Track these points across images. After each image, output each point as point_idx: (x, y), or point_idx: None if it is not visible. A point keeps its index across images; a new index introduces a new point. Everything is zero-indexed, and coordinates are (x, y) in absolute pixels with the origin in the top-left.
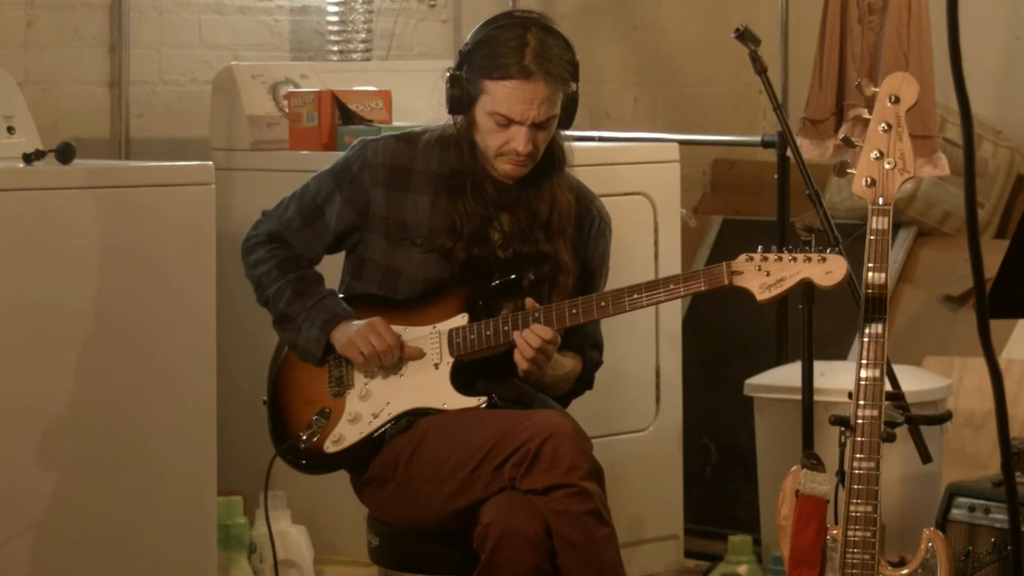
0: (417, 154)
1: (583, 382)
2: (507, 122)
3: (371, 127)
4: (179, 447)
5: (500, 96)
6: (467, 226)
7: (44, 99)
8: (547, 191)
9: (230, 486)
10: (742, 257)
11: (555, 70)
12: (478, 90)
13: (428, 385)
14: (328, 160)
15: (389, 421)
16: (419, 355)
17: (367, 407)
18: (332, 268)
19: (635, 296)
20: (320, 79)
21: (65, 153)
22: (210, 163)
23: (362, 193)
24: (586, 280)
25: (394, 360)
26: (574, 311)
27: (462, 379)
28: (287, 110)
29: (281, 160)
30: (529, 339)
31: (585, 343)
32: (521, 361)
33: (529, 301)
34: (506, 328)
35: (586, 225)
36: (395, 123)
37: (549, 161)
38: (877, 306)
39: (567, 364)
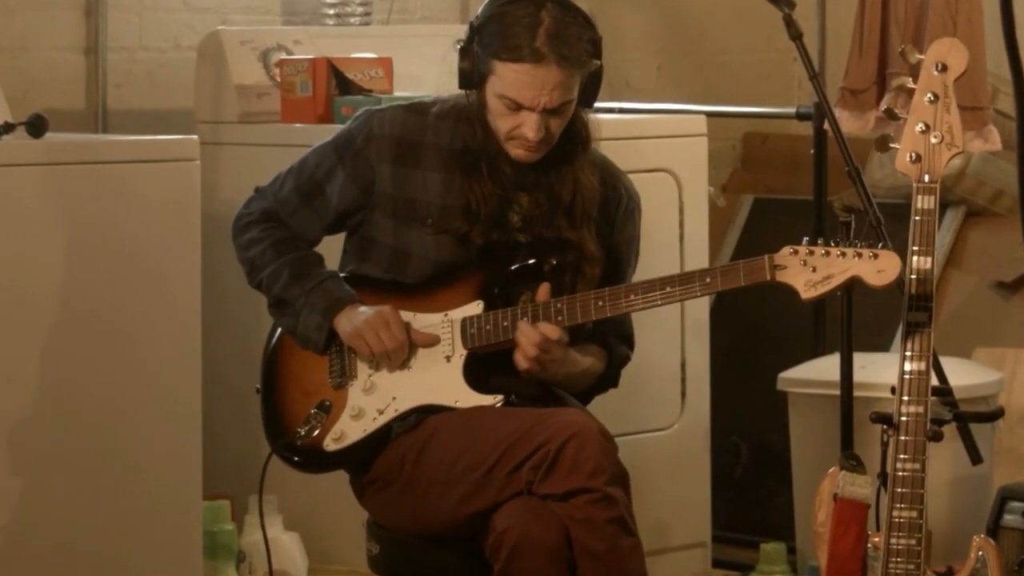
0: (427, 126)
1: (607, 379)
2: (517, 107)
3: (371, 97)
4: (161, 447)
5: (509, 79)
6: (484, 209)
7: (14, 67)
8: (568, 174)
9: (217, 489)
10: (786, 250)
11: (571, 53)
12: (488, 69)
13: (439, 380)
14: (324, 134)
15: (395, 418)
16: (433, 342)
17: (371, 402)
18: (332, 251)
19: (668, 290)
20: (315, 45)
21: (37, 126)
22: (195, 137)
23: (367, 168)
24: (613, 268)
25: (403, 358)
26: (600, 303)
27: (476, 373)
28: (279, 79)
29: (272, 134)
30: (531, 337)
31: (611, 333)
32: (521, 361)
33: (544, 287)
34: (525, 319)
35: (612, 206)
36: (397, 93)
37: (570, 141)
38: (923, 293)
39: (584, 361)
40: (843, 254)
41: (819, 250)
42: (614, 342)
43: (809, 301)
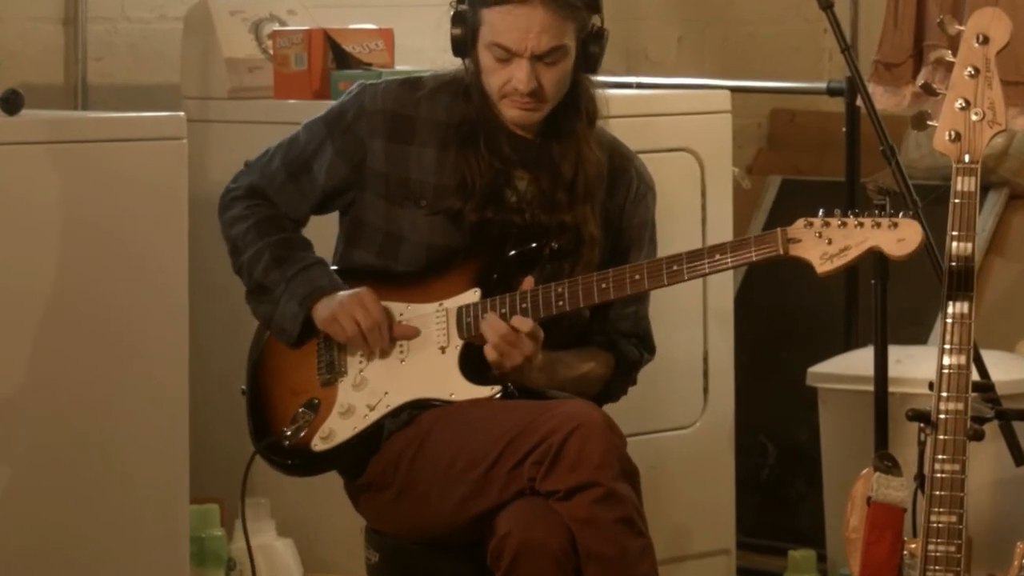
0: (422, 100)
1: (613, 386)
2: (506, 55)
3: (371, 71)
4: (146, 446)
5: (496, 24)
6: (479, 183)
7: None
8: (571, 148)
9: (205, 492)
10: (800, 222)
11: None
12: (477, 22)
13: (433, 372)
14: (319, 110)
15: (386, 415)
16: (413, 334)
17: (362, 398)
18: (326, 236)
19: (675, 268)
20: (310, 15)
21: (12, 102)
22: (181, 114)
23: (357, 145)
24: (621, 256)
25: (383, 340)
26: (603, 285)
27: (473, 365)
28: (272, 52)
29: (264, 110)
30: (498, 328)
31: (620, 334)
32: (489, 352)
33: (527, 280)
34: (524, 306)
35: (621, 190)
36: (399, 67)
37: (574, 112)
38: (962, 281)
39: (581, 367)
40: (860, 224)
41: (835, 221)
42: (623, 344)
43: (825, 275)
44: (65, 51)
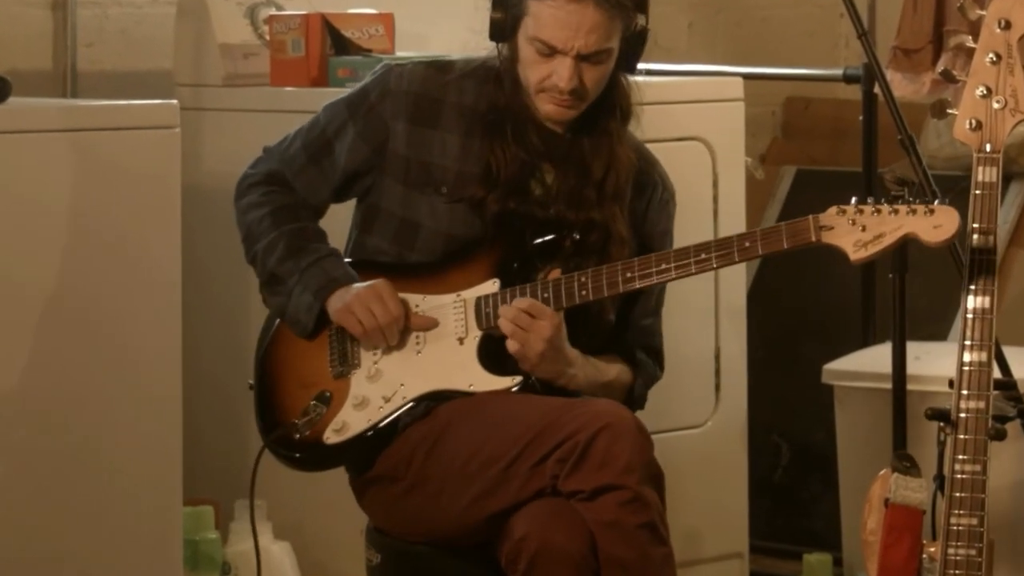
0: (450, 84)
1: (633, 397)
2: (549, 51)
3: (370, 58)
4: (138, 447)
5: (543, 18)
6: (504, 173)
7: None
8: (604, 146)
9: (199, 494)
10: (832, 210)
11: None
12: (522, 11)
13: (451, 363)
14: (317, 97)
15: (403, 406)
16: (431, 325)
17: (377, 389)
18: (339, 227)
19: (703, 256)
20: (308, 0)
21: None
22: (174, 102)
23: (380, 126)
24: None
25: (399, 335)
26: (628, 275)
27: (492, 355)
28: (268, 37)
29: (260, 98)
30: (506, 312)
31: (638, 344)
32: (510, 343)
33: (555, 271)
34: (546, 295)
35: (646, 194)
36: (399, 53)
37: (609, 110)
38: (983, 275)
39: (610, 371)
40: (895, 211)
41: (869, 208)
42: (641, 357)
43: (859, 263)
44: (54, 37)
